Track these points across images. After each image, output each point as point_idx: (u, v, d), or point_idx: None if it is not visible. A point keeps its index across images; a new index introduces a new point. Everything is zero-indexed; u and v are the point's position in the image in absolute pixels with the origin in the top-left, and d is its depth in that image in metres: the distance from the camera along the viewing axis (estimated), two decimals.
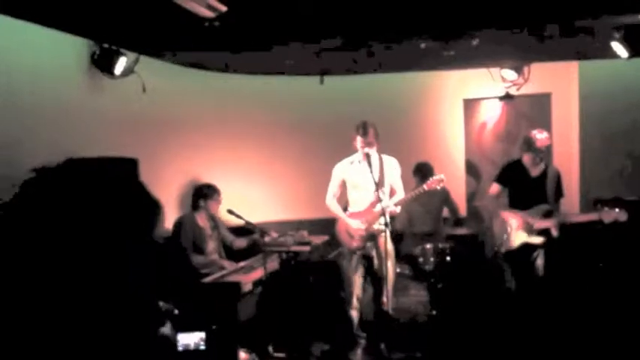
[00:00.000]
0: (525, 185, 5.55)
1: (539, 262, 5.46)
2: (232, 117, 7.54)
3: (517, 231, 5.48)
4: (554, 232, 5.29)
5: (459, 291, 6.32)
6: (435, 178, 5.25)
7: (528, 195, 5.50)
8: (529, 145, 5.50)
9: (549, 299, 5.55)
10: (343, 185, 5.46)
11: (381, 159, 5.34)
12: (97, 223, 1.43)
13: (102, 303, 1.41)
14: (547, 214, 5.38)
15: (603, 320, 5.59)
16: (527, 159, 5.56)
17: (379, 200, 5.06)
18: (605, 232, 6.65)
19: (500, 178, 5.74)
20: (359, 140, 5.20)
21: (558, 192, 5.51)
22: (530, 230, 5.42)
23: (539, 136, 5.47)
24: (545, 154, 5.52)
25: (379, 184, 5.19)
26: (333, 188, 5.47)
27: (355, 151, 5.30)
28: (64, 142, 4.98)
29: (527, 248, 5.47)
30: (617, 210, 5.11)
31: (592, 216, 5.19)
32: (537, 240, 5.40)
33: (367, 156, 5.21)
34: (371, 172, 5.12)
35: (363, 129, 5.19)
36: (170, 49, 6.13)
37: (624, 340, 5.19)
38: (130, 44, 5.64)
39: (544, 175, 5.52)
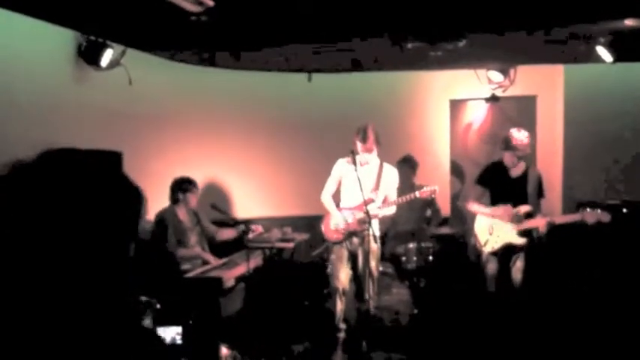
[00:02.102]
0: (506, 186, 5.56)
1: (519, 264, 5.47)
2: (219, 112, 7.53)
3: (502, 230, 5.48)
4: (542, 230, 5.30)
5: (441, 290, 6.36)
6: (429, 188, 5.31)
7: (509, 195, 5.49)
8: (507, 143, 5.52)
9: (530, 301, 5.58)
10: (340, 182, 5.49)
11: (381, 165, 5.37)
12: (78, 215, 1.42)
13: (84, 295, 1.40)
14: (529, 215, 5.40)
15: (584, 321, 5.65)
16: (507, 158, 5.56)
17: (368, 202, 5.08)
18: (587, 235, 6.73)
19: (481, 179, 5.75)
20: (358, 145, 5.23)
21: (539, 193, 5.52)
22: (517, 223, 5.40)
23: (517, 134, 5.47)
24: (524, 152, 5.49)
25: (374, 187, 5.25)
26: (330, 184, 5.51)
27: (351, 150, 5.29)
28: (48, 134, 4.95)
29: (509, 250, 5.49)
30: (599, 211, 5.13)
31: (575, 217, 5.21)
32: (520, 241, 5.42)
33: (354, 156, 5.21)
34: (355, 171, 5.11)
35: (364, 134, 5.20)
36: (157, 43, 6.11)
37: (605, 341, 5.25)
38: (116, 37, 5.61)
39: (525, 175, 5.53)
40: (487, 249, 5.56)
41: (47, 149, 1.53)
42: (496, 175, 5.63)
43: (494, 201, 5.59)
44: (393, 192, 5.44)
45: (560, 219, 5.32)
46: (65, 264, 1.40)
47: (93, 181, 1.51)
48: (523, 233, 5.40)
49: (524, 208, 5.39)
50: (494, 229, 5.51)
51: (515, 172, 5.55)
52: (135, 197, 1.59)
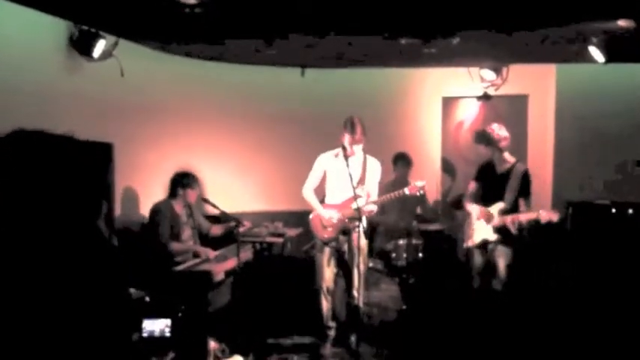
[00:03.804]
0: (490, 182, 5.59)
1: (501, 261, 5.46)
2: (211, 105, 7.51)
3: (480, 226, 5.52)
4: (512, 230, 5.33)
5: (430, 287, 6.38)
6: (417, 184, 5.27)
7: (491, 191, 5.53)
8: (487, 139, 5.55)
9: (516, 297, 5.61)
10: (323, 177, 5.45)
11: (365, 158, 5.35)
12: (62, 203, 1.41)
13: (71, 285, 1.40)
14: (505, 212, 5.41)
15: (570, 318, 5.69)
16: (493, 156, 5.60)
17: (357, 197, 5.06)
18: (576, 233, 6.78)
19: (475, 175, 5.80)
20: (347, 137, 5.19)
21: (522, 190, 5.51)
22: (488, 222, 5.44)
23: (497, 129, 5.52)
24: (505, 147, 5.53)
25: (359, 182, 5.21)
26: (312, 179, 5.45)
27: (340, 144, 5.28)
28: (39, 124, 4.90)
29: (486, 244, 5.52)
30: (551, 211, 5.17)
31: (532, 215, 5.24)
32: (493, 237, 5.44)
33: (352, 151, 5.19)
34: (347, 167, 5.10)
35: (351, 126, 5.16)
36: (150, 35, 6.08)
37: (590, 336, 5.30)
38: (109, 27, 5.58)
39: (509, 172, 5.53)
40: (468, 244, 5.61)
41: (13, 131, 1.52)
42: (485, 172, 5.66)
43: (483, 196, 5.61)
44: (375, 185, 5.41)
45: (519, 217, 5.32)
46: (46, 255, 1.39)
47: (76, 170, 1.51)
48: (498, 230, 5.43)
49: (498, 206, 5.42)
50: (475, 225, 5.55)
51: (501, 168, 5.56)
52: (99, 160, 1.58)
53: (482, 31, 5.76)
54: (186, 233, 5.84)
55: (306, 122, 7.65)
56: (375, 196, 5.36)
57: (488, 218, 5.41)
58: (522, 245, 5.60)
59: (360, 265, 5.23)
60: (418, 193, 5.28)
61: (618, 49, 6.24)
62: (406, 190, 5.26)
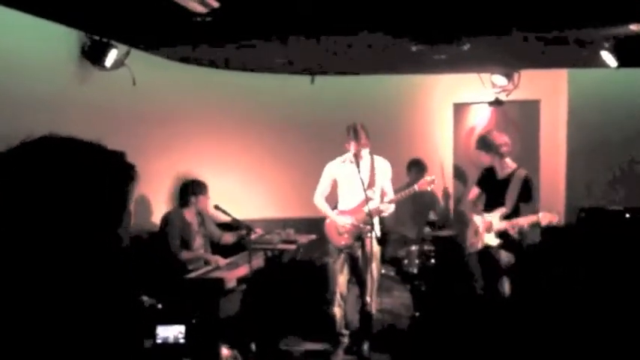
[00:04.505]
0: (492, 187, 5.63)
1: (503, 266, 5.47)
2: (222, 113, 7.53)
3: (481, 232, 5.54)
4: (513, 234, 5.35)
5: (442, 293, 6.36)
6: (426, 179, 5.30)
7: (492, 197, 5.59)
8: (488, 145, 5.59)
9: (524, 302, 5.60)
10: (333, 184, 5.48)
11: (372, 159, 5.36)
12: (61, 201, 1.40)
13: (80, 296, 1.39)
14: (505, 217, 5.42)
15: (580, 323, 5.65)
16: (494, 161, 5.62)
17: (369, 200, 5.08)
18: (588, 239, 6.74)
19: (478, 181, 5.84)
20: (352, 144, 5.22)
21: (523, 196, 5.50)
22: (489, 231, 5.47)
23: (497, 135, 5.59)
24: (506, 152, 5.55)
25: (369, 185, 5.22)
26: (322, 186, 5.49)
27: (347, 151, 5.32)
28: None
29: (488, 250, 5.52)
30: (552, 213, 5.18)
31: (532, 218, 5.24)
32: (494, 242, 5.45)
33: (360, 156, 5.23)
34: (359, 172, 5.14)
35: (355, 133, 5.22)
36: (161, 43, 6.12)
37: (605, 342, 5.26)
38: (121, 37, 5.62)
39: (509, 178, 5.54)
40: (470, 250, 5.63)
41: (26, 139, 1.51)
42: (487, 177, 5.71)
43: (486, 202, 5.65)
44: (388, 183, 5.43)
45: (520, 221, 5.32)
46: (57, 263, 1.38)
47: (77, 165, 1.49)
48: (499, 235, 5.43)
49: (498, 213, 5.43)
50: (476, 231, 5.58)
51: (502, 174, 5.59)
52: (124, 174, 1.57)
53: (492, 37, 5.75)
54: (198, 241, 5.86)
55: (316, 129, 7.65)
56: (391, 194, 5.38)
57: (488, 228, 5.44)
58: (528, 250, 5.61)
59: (374, 272, 5.24)
60: (429, 188, 5.29)
61: (630, 54, 6.21)
62: (416, 187, 5.26)
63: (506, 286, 5.46)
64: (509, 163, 5.59)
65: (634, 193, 7.25)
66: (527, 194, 5.46)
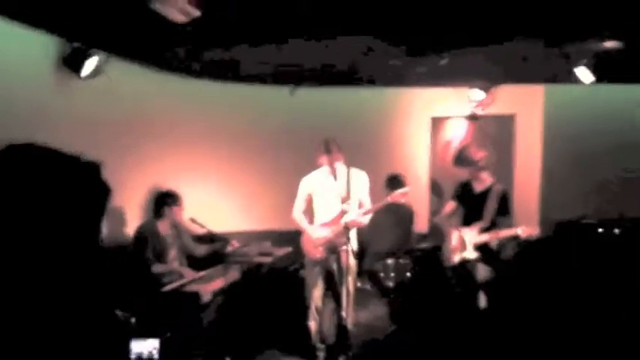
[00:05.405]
0: (469, 202, 5.70)
1: (481, 278, 5.52)
2: (200, 124, 7.47)
3: (456, 247, 5.58)
4: (492, 247, 5.42)
5: (419, 307, 6.36)
6: (399, 191, 5.29)
7: (470, 211, 5.65)
8: (465, 160, 5.65)
9: (501, 315, 5.63)
10: (310, 199, 5.46)
11: (348, 171, 5.36)
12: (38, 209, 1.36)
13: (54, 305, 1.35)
14: (484, 230, 5.47)
15: (555, 335, 5.69)
16: (470, 175, 5.68)
17: (345, 213, 5.09)
18: (562, 252, 6.81)
19: (454, 196, 5.87)
20: (324, 159, 5.27)
21: (501, 209, 5.55)
22: (465, 246, 5.52)
23: (471, 149, 5.66)
24: (482, 166, 5.60)
25: (345, 197, 5.20)
26: (299, 202, 5.48)
27: (321, 165, 5.34)
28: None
29: (466, 264, 5.56)
30: (531, 226, 5.26)
31: (512, 231, 5.30)
32: (472, 255, 5.50)
33: (333, 169, 5.25)
34: (336, 185, 5.16)
35: (326, 147, 5.27)
36: (141, 52, 6.05)
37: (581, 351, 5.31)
38: (100, 44, 5.54)
39: (487, 191, 5.61)
40: (448, 263, 5.65)
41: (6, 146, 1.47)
42: (463, 192, 5.77)
43: (464, 217, 5.69)
44: (365, 194, 5.42)
45: (501, 233, 5.38)
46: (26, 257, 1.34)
47: (54, 176, 1.46)
48: (477, 248, 5.48)
49: (474, 229, 5.48)
50: (453, 245, 5.62)
51: (479, 188, 5.65)
52: (100, 191, 1.53)
53: (470, 50, 5.79)
54: (172, 254, 5.77)
55: (295, 141, 7.63)
56: (368, 205, 5.36)
57: (462, 246, 5.49)
58: (504, 264, 5.66)
59: (349, 286, 5.22)
60: (402, 200, 5.29)
61: (606, 70, 6.31)
62: (389, 199, 5.25)
63: (482, 300, 5.50)
64: (486, 177, 5.65)
65: (608, 207, 7.33)
66: (505, 208, 5.53)
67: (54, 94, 5.42)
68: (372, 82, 7.57)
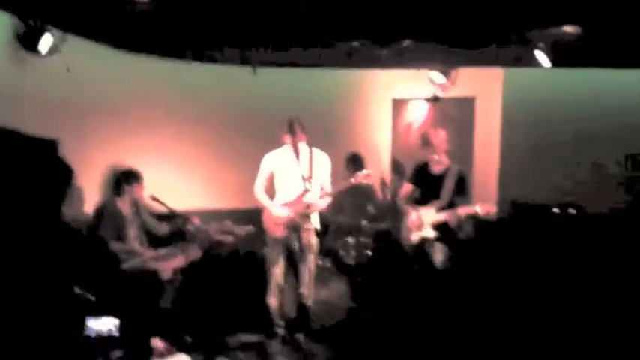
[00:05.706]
0: (426, 183, 5.80)
1: (439, 256, 5.65)
2: (161, 103, 7.42)
3: (414, 225, 5.69)
4: (452, 225, 5.54)
5: (378, 285, 6.46)
6: (362, 173, 5.35)
7: (428, 192, 5.75)
8: (425, 141, 5.77)
9: (457, 294, 5.76)
10: (271, 177, 5.47)
11: (311, 152, 5.39)
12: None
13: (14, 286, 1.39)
14: (442, 209, 5.59)
15: (508, 316, 5.84)
16: (430, 157, 5.79)
17: (307, 192, 5.14)
18: (518, 232, 6.97)
19: (410, 178, 5.97)
20: (288, 138, 5.26)
21: (460, 189, 5.68)
22: (423, 225, 5.64)
23: (433, 133, 5.77)
24: (441, 150, 5.72)
25: (307, 177, 5.24)
26: (261, 179, 5.48)
27: (284, 144, 5.35)
28: None
29: (425, 242, 5.68)
30: (489, 204, 5.40)
31: (470, 209, 5.43)
32: (430, 234, 5.62)
33: (296, 149, 5.26)
34: (298, 165, 5.19)
35: (290, 127, 5.26)
36: (98, 30, 5.98)
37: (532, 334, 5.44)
38: (56, 22, 5.46)
39: (444, 173, 5.72)
40: (407, 242, 5.75)
41: None
42: (420, 173, 5.87)
43: (421, 197, 5.79)
44: (327, 176, 5.47)
45: (461, 211, 5.51)
46: None
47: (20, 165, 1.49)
48: (435, 227, 5.61)
49: (432, 209, 5.60)
50: (412, 224, 5.72)
51: (437, 169, 5.76)
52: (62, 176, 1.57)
53: (431, 34, 5.86)
54: (132, 232, 5.74)
55: (256, 120, 7.63)
56: (329, 189, 5.41)
57: (421, 225, 5.59)
58: (461, 243, 5.79)
59: (310, 263, 5.27)
60: (363, 182, 5.35)
61: (564, 54, 6.43)
62: (352, 181, 5.32)
63: (440, 278, 5.61)
64: (444, 160, 5.75)
65: (566, 190, 7.52)
66: (463, 189, 5.65)
67: (8, 73, 5.34)
68: (334, 64, 7.59)
